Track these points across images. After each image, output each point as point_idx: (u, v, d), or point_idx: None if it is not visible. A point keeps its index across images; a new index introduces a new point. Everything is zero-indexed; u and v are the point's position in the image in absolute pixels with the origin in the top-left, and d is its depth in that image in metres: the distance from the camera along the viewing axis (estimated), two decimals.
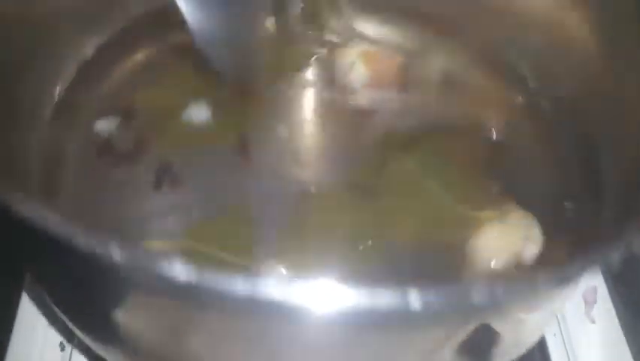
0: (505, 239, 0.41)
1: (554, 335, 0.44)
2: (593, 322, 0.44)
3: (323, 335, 0.28)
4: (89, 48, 0.48)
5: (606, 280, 0.46)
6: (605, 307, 0.45)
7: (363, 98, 0.48)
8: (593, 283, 0.45)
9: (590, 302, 0.45)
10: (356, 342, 0.29)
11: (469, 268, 0.40)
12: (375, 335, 0.28)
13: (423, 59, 0.51)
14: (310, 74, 0.50)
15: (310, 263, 0.39)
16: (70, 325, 0.34)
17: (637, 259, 0.48)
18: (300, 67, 0.51)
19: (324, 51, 0.51)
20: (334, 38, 0.52)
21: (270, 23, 0.52)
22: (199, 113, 0.46)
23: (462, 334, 0.30)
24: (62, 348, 0.40)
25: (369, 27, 0.52)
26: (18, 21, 0.42)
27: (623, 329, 0.44)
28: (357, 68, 0.50)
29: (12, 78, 0.41)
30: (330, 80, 0.50)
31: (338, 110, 0.48)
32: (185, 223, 0.39)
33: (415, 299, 0.22)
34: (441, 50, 0.51)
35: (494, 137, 0.46)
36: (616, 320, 0.44)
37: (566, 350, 0.43)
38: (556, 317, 0.44)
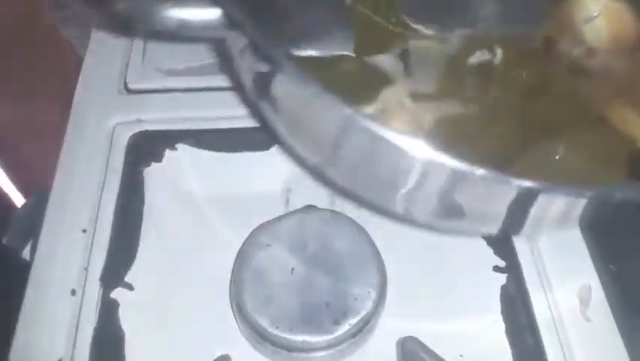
0: None
1: (550, 334, 0.44)
2: (589, 320, 0.45)
3: None
4: None
5: (600, 277, 0.47)
6: (600, 305, 0.46)
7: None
8: (587, 281, 0.47)
9: (585, 301, 0.46)
10: None
11: None
12: None
13: None
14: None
15: None
16: None
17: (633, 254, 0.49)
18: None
19: None
20: None
21: None
22: None
23: None
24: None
25: None
26: None
27: (619, 328, 0.45)
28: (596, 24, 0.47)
29: None
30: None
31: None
32: None
33: None
34: None
35: None
36: (611, 318, 0.45)
37: (562, 349, 0.44)
38: (552, 316, 0.45)
